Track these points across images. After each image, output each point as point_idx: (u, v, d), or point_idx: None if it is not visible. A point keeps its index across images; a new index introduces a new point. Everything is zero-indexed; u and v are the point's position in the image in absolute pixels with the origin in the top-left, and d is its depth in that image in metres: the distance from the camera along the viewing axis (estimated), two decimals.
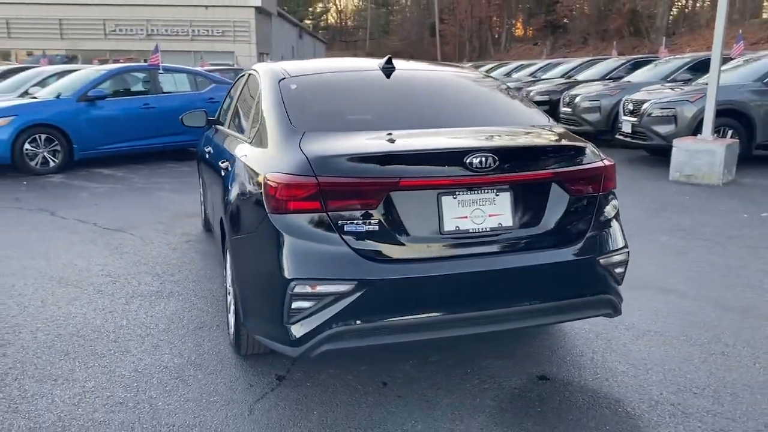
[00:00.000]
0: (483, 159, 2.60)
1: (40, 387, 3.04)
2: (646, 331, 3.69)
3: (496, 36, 61.88)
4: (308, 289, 2.52)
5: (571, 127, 12.71)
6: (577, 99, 12.58)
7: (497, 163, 2.63)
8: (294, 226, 2.56)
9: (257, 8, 41.43)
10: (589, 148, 2.96)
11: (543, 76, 18.22)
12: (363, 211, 2.54)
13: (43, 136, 9.15)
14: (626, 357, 3.35)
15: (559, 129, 3.18)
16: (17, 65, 18.63)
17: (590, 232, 2.86)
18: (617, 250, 2.93)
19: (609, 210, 2.97)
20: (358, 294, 2.50)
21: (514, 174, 2.70)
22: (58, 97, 9.62)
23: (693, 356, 3.36)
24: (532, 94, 15.05)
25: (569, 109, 12.81)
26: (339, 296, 2.51)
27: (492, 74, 22.73)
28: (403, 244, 2.58)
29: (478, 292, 2.66)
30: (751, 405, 2.88)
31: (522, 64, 22.95)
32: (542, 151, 2.85)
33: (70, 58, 34.49)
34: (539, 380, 3.11)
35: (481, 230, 2.68)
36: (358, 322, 2.54)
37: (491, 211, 2.69)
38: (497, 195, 2.70)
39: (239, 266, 2.98)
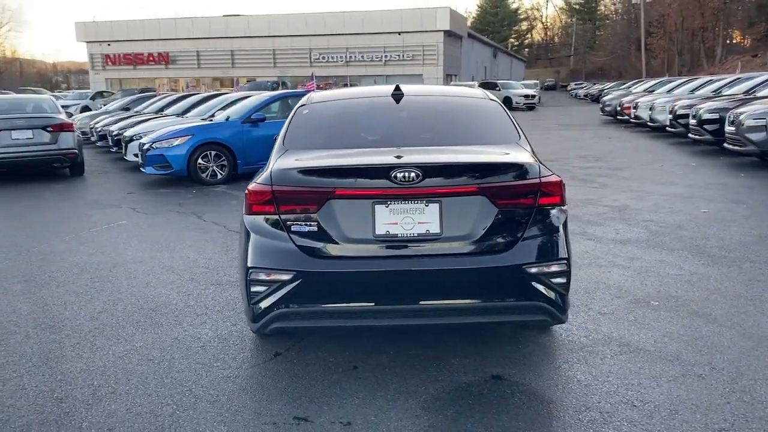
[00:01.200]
0: (406, 174, 3.03)
1: (105, 343, 3.99)
2: (638, 349, 3.73)
3: (709, 47, 57.18)
4: (262, 276, 3.12)
5: (735, 148, 11.84)
6: (741, 117, 11.65)
7: (420, 177, 3.03)
8: (256, 226, 3.19)
9: (446, 32, 42.86)
10: (526, 165, 3.21)
11: (726, 92, 16.88)
12: (306, 215, 3.09)
13: (213, 153, 10.77)
14: (594, 369, 3.48)
15: (510, 149, 3.45)
16: (182, 93, 21.11)
17: (520, 243, 3.12)
18: (552, 260, 3.15)
19: (548, 223, 3.19)
20: (297, 282, 3.06)
21: (440, 187, 3.07)
22: (227, 119, 11.26)
23: (665, 375, 3.39)
24: (701, 111, 14.11)
25: (733, 128, 11.91)
26: (283, 283, 3.08)
27: (681, 89, 21.24)
28: (339, 243, 3.08)
29: (403, 288, 3.07)
30: (684, 422, 2.91)
31: (711, 79, 21.32)
32: (470, 168, 3.17)
33: (279, 84, 38.50)
34: (492, 379, 3.38)
35: (409, 235, 3.08)
36: (297, 305, 3.09)
37: (420, 219, 3.09)
38: (427, 205, 3.09)
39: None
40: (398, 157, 3.19)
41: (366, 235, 3.10)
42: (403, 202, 3.09)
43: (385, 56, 43.65)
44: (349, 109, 4.09)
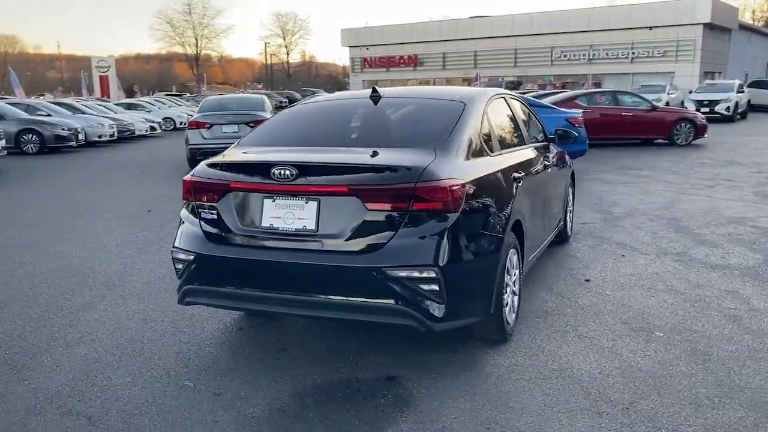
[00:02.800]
0: (282, 171, 3.22)
1: (112, 307, 4.76)
2: (554, 370, 3.45)
3: None
4: (179, 256, 3.57)
5: None
6: None
7: (295, 175, 3.20)
8: (184, 211, 3.65)
9: (707, 24, 38.62)
10: (401, 169, 3.17)
11: None
12: (209, 204, 3.46)
13: None
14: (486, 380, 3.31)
15: (414, 152, 3.39)
16: None
17: (388, 245, 3.11)
18: (421, 266, 3.08)
19: (423, 228, 3.13)
20: (196, 264, 3.45)
21: (316, 186, 3.21)
22: None
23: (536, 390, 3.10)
24: None
25: None
26: (189, 263, 3.49)
27: None
28: (231, 232, 3.39)
29: (282, 279, 3.27)
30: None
31: None
32: (341, 169, 3.23)
33: (515, 84, 38.32)
34: (385, 380, 3.41)
35: (288, 230, 3.28)
36: (198, 284, 3.48)
37: (300, 215, 3.26)
38: (306, 203, 3.25)
39: None
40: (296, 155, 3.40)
41: (254, 226, 3.36)
42: (288, 198, 3.29)
43: (632, 53, 40.77)
44: (318, 111, 4.32)
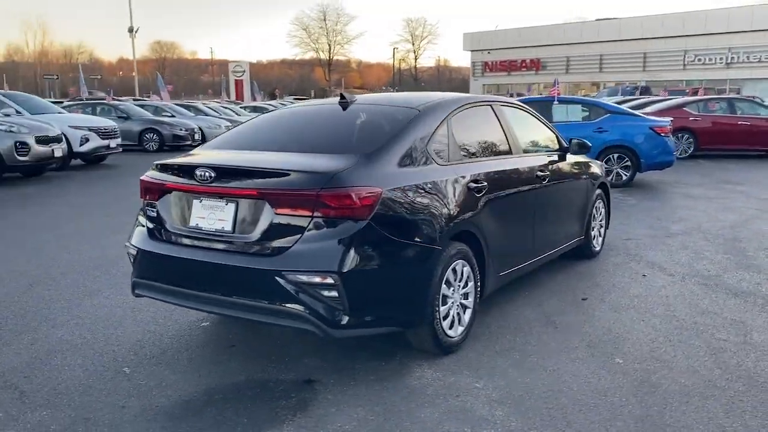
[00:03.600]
0: (203, 173, 3.36)
1: (114, 295, 5.11)
2: (475, 387, 3.30)
3: None
4: (129, 250, 3.82)
5: None
6: None
7: (213, 178, 3.32)
8: (140, 209, 3.90)
9: None
10: (306, 175, 3.19)
11: None
12: (151, 203, 3.66)
13: None
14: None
15: (332, 159, 3.39)
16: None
17: (290, 250, 3.16)
18: (321, 272, 3.10)
19: (327, 234, 3.14)
20: (137, 258, 3.67)
21: (233, 189, 3.32)
22: None
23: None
24: None
25: None
26: (134, 257, 3.73)
27: None
28: (167, 229, 3.58)
29: (201, 278, 3.41)
30: None
31: None
32: (253, 173, 3.29)
33: (642, 90, 36.32)
34: (303, 383, 3.46)
35: (209, 230, 3.41)
36: (138, 278, 3.70)
37: (219, 217, 3.38)
38: (226, 204, 3.37)
39: None
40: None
41: (184, 225, 3.53)
42: (212, 199, 3.43)
43: None
44: (285, 116, 4.39)
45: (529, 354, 3.84)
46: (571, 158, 5.54)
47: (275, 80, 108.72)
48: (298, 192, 3.19)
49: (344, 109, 4.17)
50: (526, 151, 4.94)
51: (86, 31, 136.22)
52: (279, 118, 4.37)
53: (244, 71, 50.91)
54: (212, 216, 3.44)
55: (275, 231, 3.25)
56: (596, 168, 6.07)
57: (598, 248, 6.17)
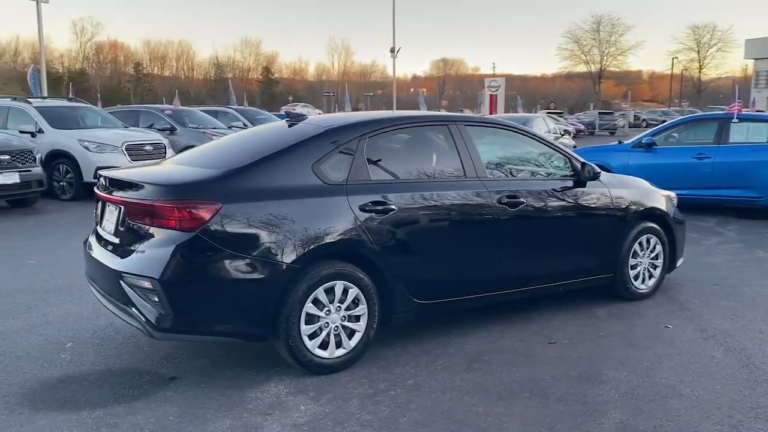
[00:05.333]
0: (104, 183, 3.89)
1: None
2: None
3: None
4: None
5: None
6: None
7: (109, 187, 3.84)
8: None
9: None
10: (149, 187, 3.52)
11: None
12: (96, 210, 4.29)
13: None
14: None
15: (198, 173, 3.70)
16: None
17: (133, 254, 3.54)
18: (146, 277, 3.42)
19: (157, 241, 3.47)
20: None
21: (112, 197, 3.80)
22: (619, 142, 10.75)
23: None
24: None
25: None
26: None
27: None
28: (97, 233, 4.18)
29: (100, 277, 3.92)
30: None
31: None
32: (127, 184, 3.70)
33: None
34: (168, 380, 3.79)
35: (106, 233, 3.93)
36: (86, 274, 4.35)
37: (111, 221, 3.89)
38: (116, 210, 3.86)
39: None
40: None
41: (101, 228, 4.10)
42: (111, 206, 3.94)
43: None
44: (246, 132, 4.71)
45: (396, 383, 3.67)
46: (591, 186, 4.96)
47: (554, 94, 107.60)
48: (141, 202, 3.57)
49: (289, 127, 4.39)
50: (501, 176, 4.62)
51: (379, 52, 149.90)
52: (238, 135, 4.75)
53: (499, 86, 51.41)
54: (109, 220, 3.96)
55: (128, 236, 3.66)
56: (640, 197, 5.29)
57: (644, 290, 5.35)
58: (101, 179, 4.00)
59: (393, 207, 3.97)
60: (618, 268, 5.15)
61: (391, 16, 42.17)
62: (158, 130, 14.21)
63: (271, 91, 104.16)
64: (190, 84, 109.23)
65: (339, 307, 3.82)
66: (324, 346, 3.79)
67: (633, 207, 5.20)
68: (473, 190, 4.34)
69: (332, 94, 60.07)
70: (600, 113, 48.09)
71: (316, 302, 3.73)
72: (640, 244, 5.29)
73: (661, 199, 5.50)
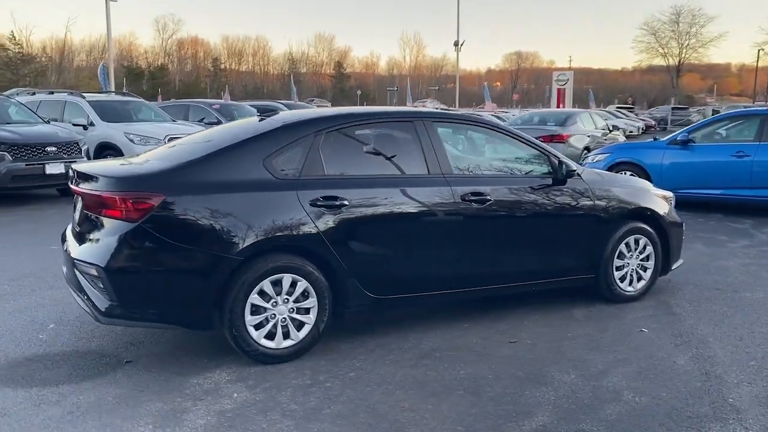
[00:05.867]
0: (73, 174, 4.11)
1: None
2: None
3: None
4: None
5: None
6: None
7: (76, 179, 4.06)
8: None
9: None
10: (101, 178, 3.69)
11: None
12: (74, 202, 4.53)
13: (628, 173, 10.21)
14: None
15: (153, 165, 3.90)
16: None
17: (86, 243, 3.75)
18: (90, 263, 3.63)
19: (105, 231, 3.67)
20: None
21: (76, 189, 4.01)
22: (655, 139, 10.35)
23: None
24: None
25: None
26: None
27: None
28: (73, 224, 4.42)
29: (64, 264, 4.17)
30: None
31: None
32: (86, 177, 3.87)
33: None
34: (124, 362, 3.99)
35: (74, 223, 4.16)
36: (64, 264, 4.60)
37: (77, 212, 4.11)
38: (79, 201, 4.08)
39: None
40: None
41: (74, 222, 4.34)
42: (79, 197, 4.17)
43: None
44: (218, 127, 4.84)
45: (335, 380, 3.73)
46: (571, 184, 4.85)
47: (633, 88, 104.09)
48: (93, 193, 3.77)
49: (259, 122, 4.51)
50: (468, 173, 4.59)
51: (451, 45, 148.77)
52: (212, 130, 4.89)
53: (567, 80, 50.31)
54: (77, 211, 4.19)
55: (85, 226, 3.87)
56: (627, 196, 5.12)
57: (631, 292, 5.19)
58: (71, 172, 4.23)
59: (346, 202, 4.02)
60: (600, 269, 5.02)
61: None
62: (206, 124, 14.67)
63: (341, 85, 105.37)
64: (266, 78, 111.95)
65: (287, 299, 3.91)
66: (271, 336, 3.89)
67: (618, 206, 5.05)
68: (435, 187, 4.34)
69: (396, 88, 60.22)
70: (673, 108, 46.27)
71: (263, 294, 3.83)
72: (627, 244, 5.13)
73: (653, 198, 5.31)
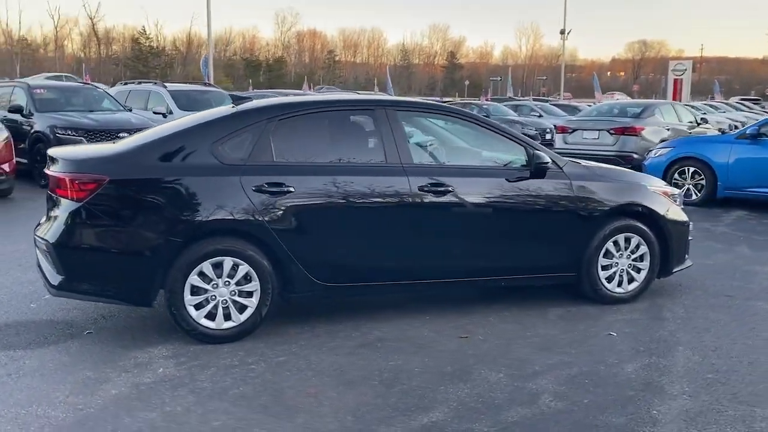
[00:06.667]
0: (49, 158, 4.44)
1: None
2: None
3: None
4: None
5: None
6: None
7: (48, 162, 4.38)
8: None
9: None
10: (61, 160, 3.94)
11: None
12: None
13: (692, 169, 9.55)
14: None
15: (110, 150, 4.15)
16: None
17: (44, 220, 4.04)
18: (43, 239, 3.92)
19: (58, 209, 3.96)
20: None
21: (47, 171, 4.31)
22: (722, 132, 9.56)
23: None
24: None
25: None
26: None
27: None
28: None
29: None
30: None
31: None
32: (55, 160, 4.12)
33: None
34: (85, 333, 4.27)
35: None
36: None
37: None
38: None
39: None
40: None
41: None
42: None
43: None
44: (192, 115, 5.01)
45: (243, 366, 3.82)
46: (549, 177, 4.63)
47: None
48: (52, 175, 4.05)
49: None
50: (431, 163, 4.52)
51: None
52: (188, 117, 5.02)
53: (685, 70, 47.32)
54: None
55: (49, 205, 4.16)
56: (616, 192, 4.81)
57: (620, 293, 4.88)
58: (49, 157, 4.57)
59: (291, 189, 4.08)
60: (583, 268, 4.76)
61: None
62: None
63: (452, 76, 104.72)
64: (379, 70, 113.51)
65: (228, 281, 4.02)
66: (212, 317, 4.02)
67: (605, 202, 4.76)
68: (390, 176, 4.29)
69: (500, 78, 59.04)
70: None
71: (203, 275, 3.97)
72: (616, 243, 4.83)
73: (648, 194, 4.95)
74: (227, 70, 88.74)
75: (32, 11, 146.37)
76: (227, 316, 4.06)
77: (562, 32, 41.53)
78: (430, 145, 4.77)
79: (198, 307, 4.00)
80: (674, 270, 5.09)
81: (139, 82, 15.55)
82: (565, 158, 4.96)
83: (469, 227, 4.52)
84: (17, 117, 11.30)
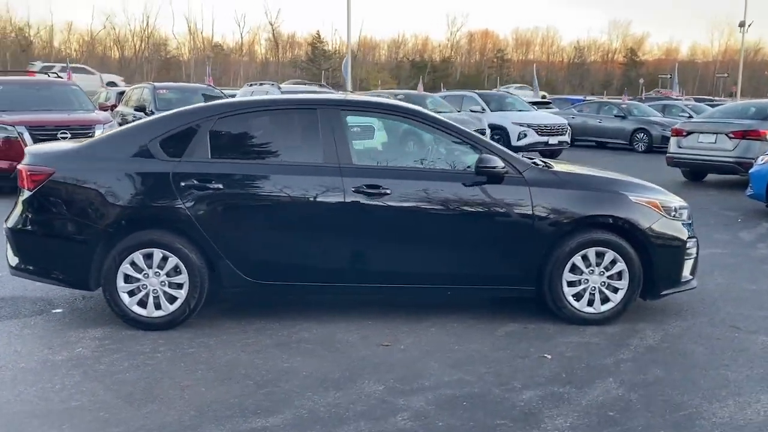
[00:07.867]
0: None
1: None
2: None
3: None
4: None
5: None
6: None
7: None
8: None
9: None
10: (27, 155, 4.36)
11: None
12: None
13: None
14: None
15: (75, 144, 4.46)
16: None
17: (13, 207, 4.51)
18: (5, 225, 4.36)
19: (19, 198, 4.34)
20: None
21: None
22: None
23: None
24: None
25: None
26: None
27: None
28: None
29: None
30: None
31: None
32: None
33: None
34: (52, 311, 4.71)
35: None
36: None
37: None
38: None
39: None
40: None
41: None
42: None
43: None
44: None
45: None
46: (507, 183, 4.30)
47: None
48: (18, 167, 4.50)
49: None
50: (372, 165, 4.40)
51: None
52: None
53: None
54: None
55: (18, 194, 4.62)
56: (587, 202, 4.33)
57: (591, 313, 4.39)
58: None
59: (220, 186, 4.19)
60: (544, 283, 4.35)
61: None
62: (471, 111, 16.02)
63: (630, 73, 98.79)
64: (551, 68, 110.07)
65: (158, 272, 4.23)
66: (143, 305, 4.25)
67: (570, 212, 4.31)
68: (324, 176, 4.24)
69: (669, 76, 54.46)
70: None
71: (134, 265, 4.21)
72: (585, 258, 4.36)
73: (629, 205, 4.39)
74: (394, 72, 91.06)
75: (223, 20, 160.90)
76: (158, 306, 4.25)
77: (741, 25, 37.42)
78: (378, 145, 4.63)
79: (131, 294, 4.24)
80: (664, 292, 4.49)
81: (261, 84, 16.65)
82: (535, 162, 4.57)
83: (410, 232, 4.33)
84: (141, 114, 12.58)
